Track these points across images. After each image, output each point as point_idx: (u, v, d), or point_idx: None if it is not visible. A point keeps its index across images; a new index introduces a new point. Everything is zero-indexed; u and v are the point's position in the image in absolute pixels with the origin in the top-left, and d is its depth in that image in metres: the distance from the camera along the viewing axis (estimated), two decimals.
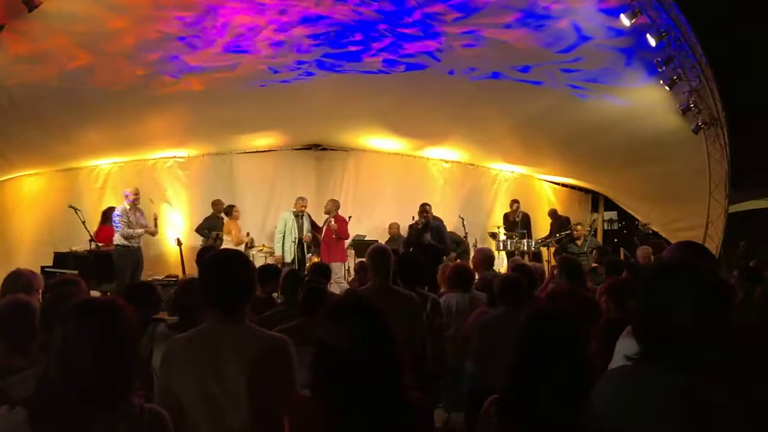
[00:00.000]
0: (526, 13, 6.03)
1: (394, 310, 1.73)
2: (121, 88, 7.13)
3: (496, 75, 7.58)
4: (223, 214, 9.61)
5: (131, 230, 7.81)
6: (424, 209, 8.69)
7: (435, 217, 9.10)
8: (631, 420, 1.37)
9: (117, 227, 7.79)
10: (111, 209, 8.29)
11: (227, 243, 9.09)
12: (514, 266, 5.37)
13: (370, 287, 3.34)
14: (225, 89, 7.89)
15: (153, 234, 8.56)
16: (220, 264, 2.11)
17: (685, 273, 1.44)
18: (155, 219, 8.53)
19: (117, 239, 7.81)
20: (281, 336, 2.13)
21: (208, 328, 2.06)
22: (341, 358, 1.57)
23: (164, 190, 10.45)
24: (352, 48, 7.02)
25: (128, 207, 7.88)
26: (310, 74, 7.76)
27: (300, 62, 7.38)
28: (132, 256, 7.84)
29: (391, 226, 10.39)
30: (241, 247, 9.20)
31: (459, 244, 10.12)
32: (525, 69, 7.36)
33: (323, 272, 4.81)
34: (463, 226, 10.27)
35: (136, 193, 8.04)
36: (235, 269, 2.08)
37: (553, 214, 11.15)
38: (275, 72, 7.55)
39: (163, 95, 7.82)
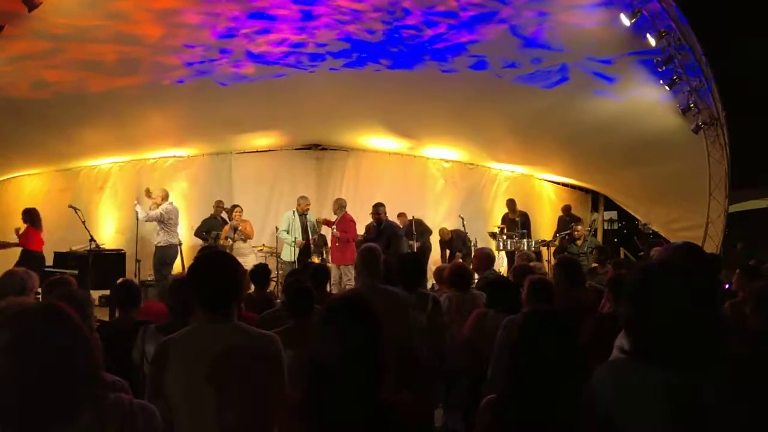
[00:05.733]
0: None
1: (382, 309, 1.73)
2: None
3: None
4: (224, 215, 9.60)
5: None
6: (376, 210, 7.97)
7: (390, 221, 8.32)
8: (621, 411, 1.42)
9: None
10: (32, 210, 8.09)
11: (238, 242, 9.10)
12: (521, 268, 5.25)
13: (359, 287, 3.33)
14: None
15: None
16: (206, 263, 2.12)
17: (671, 274, 1.47)
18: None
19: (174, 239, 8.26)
20: (270, 333, 2.14)
21: (198, 328, 2.07)
22: (334, 359, 1.57)
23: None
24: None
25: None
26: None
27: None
28: None
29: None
30: (247, 244, 9.15)
31: (465, 243, 10.07)
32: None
33: (317, 274, 4.74)
34: (463, 225, 10.27)
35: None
36: (221, 268, 2.08)
37: (565, 209, 10.90)
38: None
39: (161, 93, 7.81)
